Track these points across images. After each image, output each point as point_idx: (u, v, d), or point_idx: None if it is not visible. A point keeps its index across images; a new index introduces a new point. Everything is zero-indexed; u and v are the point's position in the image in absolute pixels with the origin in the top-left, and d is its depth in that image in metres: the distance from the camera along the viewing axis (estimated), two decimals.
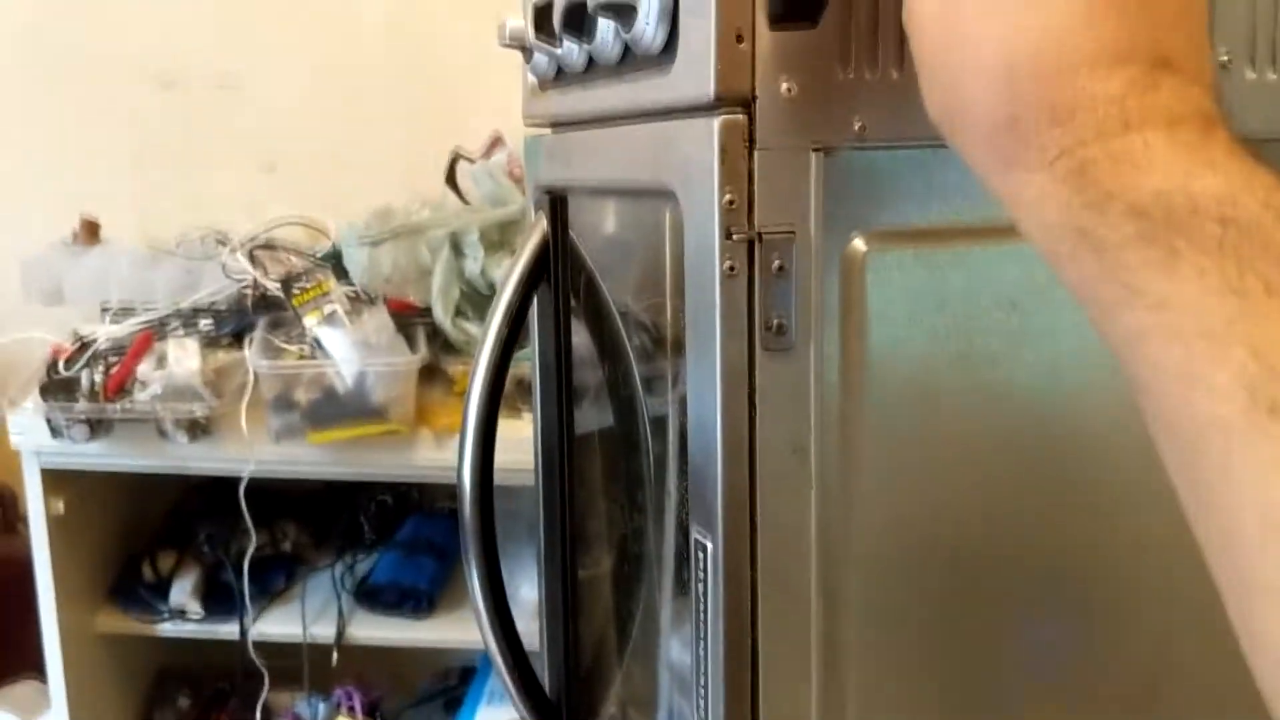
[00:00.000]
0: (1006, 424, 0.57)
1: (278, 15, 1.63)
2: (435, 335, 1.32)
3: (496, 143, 1.56)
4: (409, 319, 1.33)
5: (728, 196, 0.48)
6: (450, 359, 1.31)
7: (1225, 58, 0.54)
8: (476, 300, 1.35)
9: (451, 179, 1.55)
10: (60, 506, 1.40)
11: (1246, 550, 0.30)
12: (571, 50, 0.61)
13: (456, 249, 1.32)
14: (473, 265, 1.31)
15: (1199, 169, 0.33)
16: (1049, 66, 0.36)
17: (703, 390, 0.51)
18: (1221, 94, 0.37)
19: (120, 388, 1.26)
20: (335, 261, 1.39)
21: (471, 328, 1.30)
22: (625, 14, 0.53)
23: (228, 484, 1.38)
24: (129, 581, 1.56)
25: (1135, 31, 0.36)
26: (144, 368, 1.26)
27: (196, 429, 1.28)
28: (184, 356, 1.25)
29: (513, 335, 0.70)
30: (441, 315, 1.30)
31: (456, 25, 1.53)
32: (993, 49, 0.37)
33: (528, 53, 0.67)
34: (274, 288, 1.31)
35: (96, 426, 1.28)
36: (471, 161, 1.55)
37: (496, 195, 1.44)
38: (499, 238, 1.36)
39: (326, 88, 1.65)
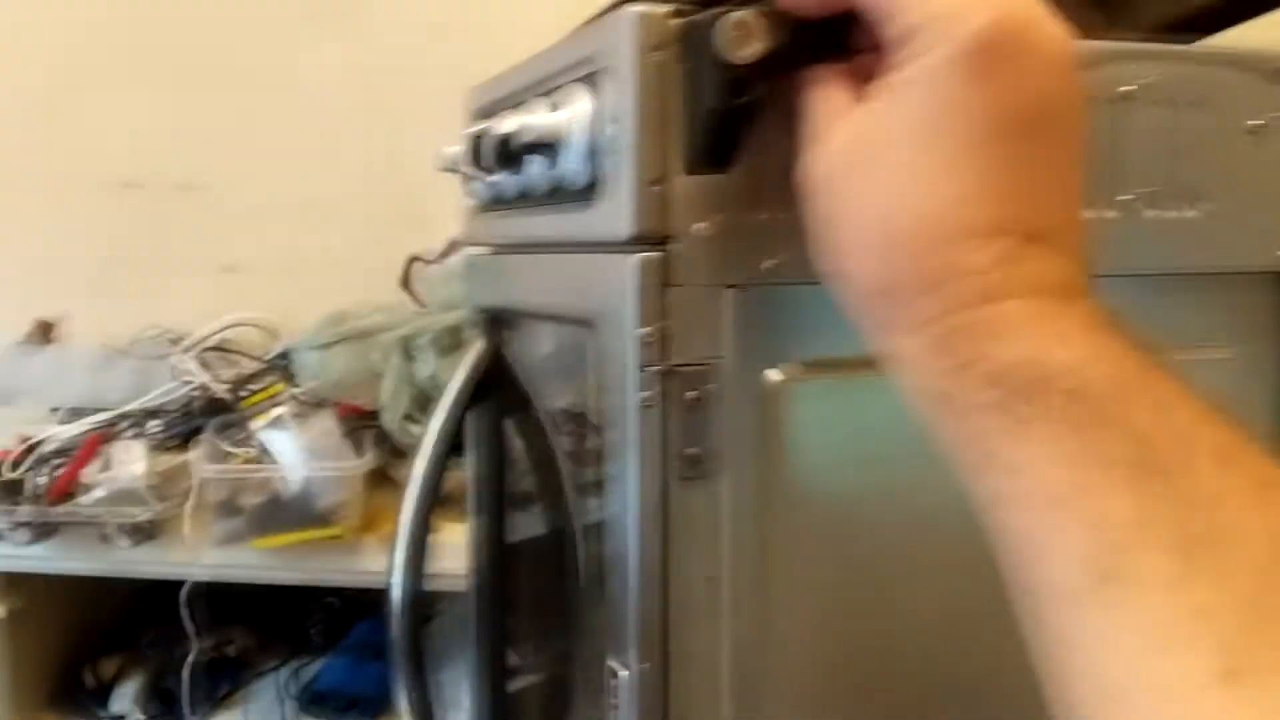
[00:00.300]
0: (926, 553, 0.58)
1: (240, 118, 1.65)
2: (384, 439, 1.32)
3: (454, 247, 1.58)
4: (358, 423, 1.33)
5: (645, 331, 0.50)
6: (399, 463, 1.30)
7: (1130, 198, 0.57)
8: (427, 404, 1.35)
9: (408, 282, 1.57)
10: (3, 610, 1.38)
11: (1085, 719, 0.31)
12: (504, 179, 0.63)
13: (408, 353, 1.33)
14: (424, 369, 1.32)
15: (1053, 340, 0.35)
16: (924, 240, 0.38)
17: (619, 519, 0.52)
18: (1091, 266, 0.39)
19: (65, 491, 1.25)
20: (288, 364, 1.40)
21: (421, 432, 1.30)
22: (550, 151, 0.55)
23: (174, 587, 1.37)
24: (71, 687, 1.53)
25: (1007, 208, 0.37)
26: (89, 471, 1.25)
27: (140, 533, 1.27)
28: (130, 460, 1.25)
29: (450, 451, 0.70)
30: (391, 419, 1.30)
31: (419, 130, 1.55)
32: (874, 220, 0.39)
33: (465, 178, 0.69)
34: (223, 391, 1.32)
35: (40, 530, 1.27)
36: (429, 263, 1.57)
37: (451, 299, 1.45)
38: (451, 342, 1.37)
39: (288, 190, 1.67)
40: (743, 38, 0.45)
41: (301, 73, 1.64)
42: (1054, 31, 0.39)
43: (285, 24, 1.63)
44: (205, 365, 1.40)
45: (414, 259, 1.58)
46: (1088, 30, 0.42)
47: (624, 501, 0.52)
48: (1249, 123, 0.59)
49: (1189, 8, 0.62)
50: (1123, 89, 0.56)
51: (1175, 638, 0.29)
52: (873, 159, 0.40)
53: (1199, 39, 0.64)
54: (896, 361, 0.40)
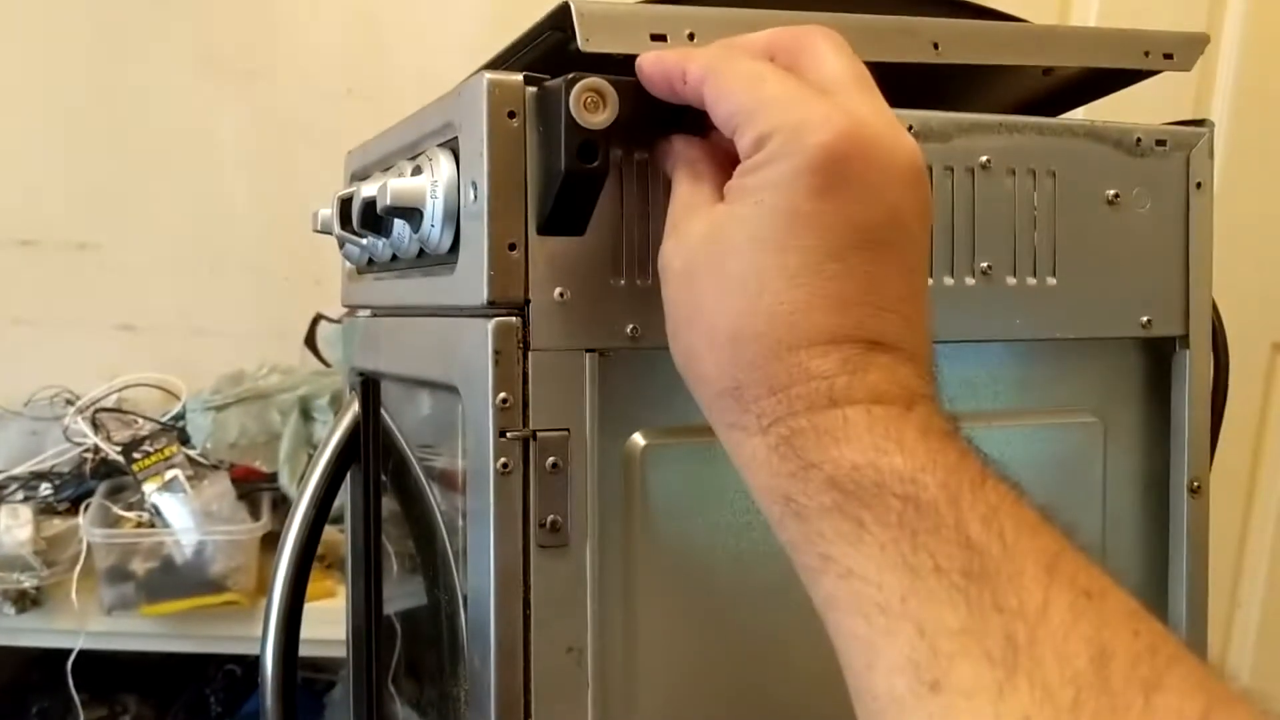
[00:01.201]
0: (796, 618, 0.57)
1: (139, 177, 1.62)
2: (281, 502, 1.30)
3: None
4: (255, 485, 1.30)
5: (502, 396, 0.49)
6: None
7: (987, 266, 0.58)
8: None
9: (311, 341, 1.55)
10: None
11: None
12: (376, 243, 0.62)
13: (306, 414, 1.31)
14: (322, 430, 1.30)
15: (889, 446, 0.35)
16: (770, 344, 0.38)
17: (480, 588, 0.51)
18: (936, 371, 0.39)
19: None
20: (184, 425, 1.37)
21: None
22: (412, 216, 0.54)
23: (63, 656, 1.32)
24: None
25: (851, 317, 0.38)
26: None
27: (25, 600, 1.23)
28: (15, 525, 1.21)
29: (322, 517, 0.69)
30: (288, 482, 1.28)
31: (322, 187, 1.53)
32: (723, 323, 0.40)
33: (339, 241, 0.68)
34: (115, 452, 1.29)
35: None
36: (334, 321, 1.55)
37: None
38: None
39: (188, 249, 1.64)
40: (594, 103, 0.45)
41: (201, 130, 1.63)
42: (901, 143, 0.40)
43: (184, 82, 1.62)
44: (99, 426, 1.36)
45: (319, 317, 1.57)
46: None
47: (484, 570, 0.51)
48: (1108, 192, 0.60)
49: (1039, 87, 0.64)
50: (983, 158, 0.57)
51: None
52: (724, 261, 0.40)
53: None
54: (741, 460, 0.40)
